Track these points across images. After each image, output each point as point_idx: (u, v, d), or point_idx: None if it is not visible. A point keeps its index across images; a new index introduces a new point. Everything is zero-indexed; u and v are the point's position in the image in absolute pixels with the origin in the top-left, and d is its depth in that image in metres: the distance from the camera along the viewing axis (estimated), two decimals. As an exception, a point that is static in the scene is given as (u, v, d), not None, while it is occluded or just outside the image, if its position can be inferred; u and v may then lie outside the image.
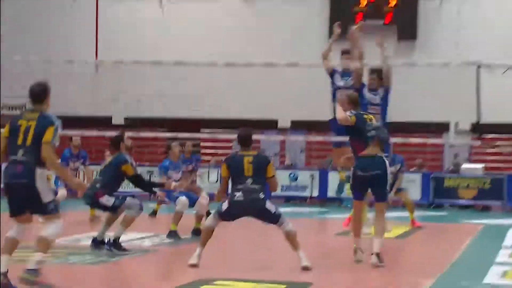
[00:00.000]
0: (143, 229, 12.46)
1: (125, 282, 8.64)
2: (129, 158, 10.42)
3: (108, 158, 11.03)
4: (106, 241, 10.14)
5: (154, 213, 15.84)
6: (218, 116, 23.47)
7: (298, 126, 24.49)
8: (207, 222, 9.32)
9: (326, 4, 24.45)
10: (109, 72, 23.74)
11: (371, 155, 9.55)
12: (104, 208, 10.30)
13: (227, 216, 8.97)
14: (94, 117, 24.26)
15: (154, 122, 23.86)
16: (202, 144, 24.80)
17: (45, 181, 7.34)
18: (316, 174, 22.33)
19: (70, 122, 22.66)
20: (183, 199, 12.03)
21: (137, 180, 10.41)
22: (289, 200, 22.73)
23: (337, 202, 21.73)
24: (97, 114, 24.40)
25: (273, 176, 9.05)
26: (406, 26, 24.06)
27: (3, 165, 7.44)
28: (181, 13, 25.22)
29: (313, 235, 13.97)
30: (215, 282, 7.82)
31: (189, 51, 22.50)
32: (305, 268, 8.71)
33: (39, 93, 7.52)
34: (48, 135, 7.19)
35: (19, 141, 7.28)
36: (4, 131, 7.44)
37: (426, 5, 24.17)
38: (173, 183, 11.91)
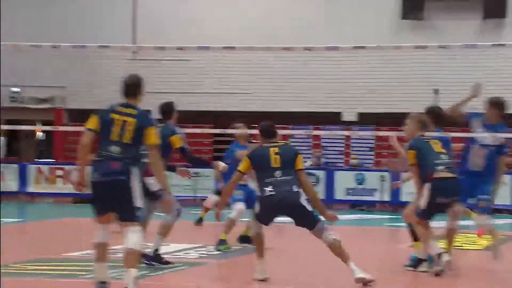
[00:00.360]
0: (187, 239, 12.47)
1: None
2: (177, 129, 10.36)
3: None
4: (144, 254, 10.13)
5: (200, 221, 15.85)
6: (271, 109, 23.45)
7: (366, 120, 24.33)
8: (252, 231, 9.25)
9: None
10: (147, 59, 24.04)
11: None
12: (146, 192, 10.20)
13: (262, 218, 8.94)
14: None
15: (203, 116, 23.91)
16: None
17: (139, 183, 7.62)
18: (387, 175, 22.12)
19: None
20: (239, 206, 11.91)
21: (184, 153, 10.31)
22: (355, 206, 22.60)
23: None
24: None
25: (302, 169, 8.99)
26: (493, 2, 23.74)
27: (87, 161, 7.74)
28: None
29: (382, 246, 13.82)
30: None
31: (239, 37, 22.61)
32: (360, 280, 8.57)
33: (134, 87, 7.93)
34: (153, 137, 7.70)
35: (114, 137, 7.60)
36: (91, 123, 7.78)
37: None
38: (222, 164, 11.51)
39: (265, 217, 8.94)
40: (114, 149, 7.57)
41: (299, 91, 24.21)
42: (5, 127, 19.74)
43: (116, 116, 7.73)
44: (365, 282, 8.51)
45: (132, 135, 7.61)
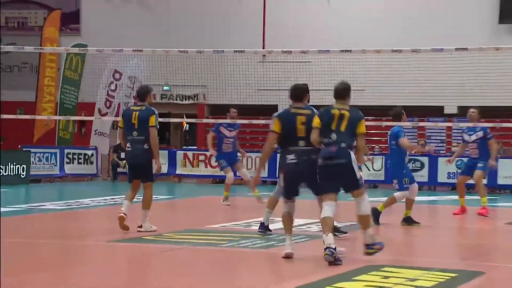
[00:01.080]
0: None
1: (293, 265, 8.71)
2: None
3: None
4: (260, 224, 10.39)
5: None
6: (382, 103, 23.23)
7: (465, 112, 23.74)
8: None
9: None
10: (275, 62, 24.19)
11: None
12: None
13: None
14: (260, 106, 24.65)
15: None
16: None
17: (355, 161, 8.18)
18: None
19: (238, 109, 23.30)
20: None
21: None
22: (455, 188, 22.09)
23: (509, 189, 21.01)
24: (263, 102, 24.78)
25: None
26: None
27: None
28: (346, 1, 25.19)
29: (481, 224, 13.51)
30: (383, 269, 7.73)
31: (354, 40, 22.46)
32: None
33: (344, 90, 8.49)
34: (363, 127, 8.28)
35: (333, 126, 8.16)
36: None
37: None
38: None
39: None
40: (334, 137, 8.12)
41: (409, 87, 23.92)
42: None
43: (335, 112, 8.25)
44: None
45: (348, 125, 8.19)
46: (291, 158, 8.35)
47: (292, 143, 8.38)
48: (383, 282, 7.11)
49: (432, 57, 22.02)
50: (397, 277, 7.34)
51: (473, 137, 13.75)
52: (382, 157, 21.79)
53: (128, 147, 10.45)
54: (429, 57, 22.10)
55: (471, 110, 14.05)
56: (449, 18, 24.04)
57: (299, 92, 8.77)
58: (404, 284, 7.01)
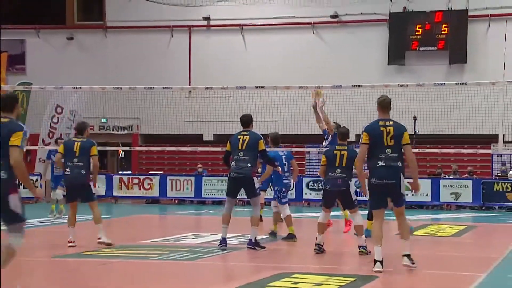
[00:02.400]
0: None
1: (218, 273, 8.62)
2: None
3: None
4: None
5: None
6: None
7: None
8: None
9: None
10: (199, 96, 24.19)
11: None
12: None
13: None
14: (187, 135, 24.55)
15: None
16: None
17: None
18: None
19: (166, 139, 23.11)
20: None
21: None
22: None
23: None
24: (189, 132, 24.69)
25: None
26: (457, 51, 23.65)
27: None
28: (260, 45, 25.42)
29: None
30: (293, 275, 7.76)
31: (266, 77, 22.66)
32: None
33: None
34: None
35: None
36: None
37: (475, 30, 23.77)
38: None
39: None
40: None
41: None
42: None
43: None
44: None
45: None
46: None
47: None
48: (293, 287, 7.13)
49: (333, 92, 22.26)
50: (306, 283, 7.38)
51: None
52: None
53: (67, 172, 10.40)
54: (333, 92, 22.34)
55: None
56: (348, 59, 24.46)
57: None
58: (311, 289, 7.05)
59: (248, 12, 25.29)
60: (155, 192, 22.30)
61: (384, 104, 8.27)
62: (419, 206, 20.79)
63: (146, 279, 7.99)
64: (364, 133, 8.10)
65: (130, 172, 25.34)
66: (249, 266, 9.28)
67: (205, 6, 25.61)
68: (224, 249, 9.90)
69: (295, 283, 7.36)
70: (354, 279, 7.73)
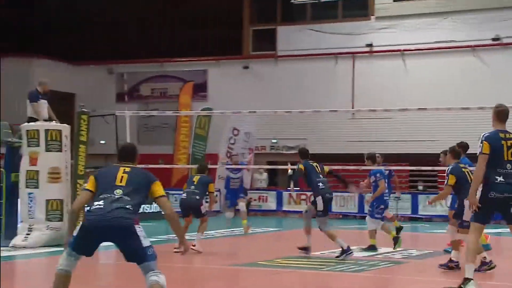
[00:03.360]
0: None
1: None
2: None
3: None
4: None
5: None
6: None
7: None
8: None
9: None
10: (362, 118, 24.03)
11: None
12: None
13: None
14: (350, 154, 24.44)
15: (401, 157, 23.32)
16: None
17: None
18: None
19: (331, 158, 23.21)
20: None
21: None
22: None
23: None
24: (352, 152, 24.57)
25: None
26: None
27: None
28: (420, 69, 24.87)
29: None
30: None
31: (429, 98, 22.09)
32: None
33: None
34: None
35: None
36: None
37: None
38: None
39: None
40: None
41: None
42: (267, 166, 20.35)
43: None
44: None
45: None
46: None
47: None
48: None
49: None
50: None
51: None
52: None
53: (184, 197, 11.50)
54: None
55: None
56: (509, 81, 23.22)
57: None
58: None
59: (409, 38, 24.87)
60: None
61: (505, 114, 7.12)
62: None
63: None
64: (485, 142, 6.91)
65: (298, 188, 25.60)
66: (414, 279, 9.07)
67: (368, 33, 25.50)
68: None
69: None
70: None
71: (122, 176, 5.34)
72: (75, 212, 5.46)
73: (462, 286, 6.91)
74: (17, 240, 12.08)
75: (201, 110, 22.80)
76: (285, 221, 21.68)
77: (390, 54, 25.39)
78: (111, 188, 5.30)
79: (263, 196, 23.79)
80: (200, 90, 27.69)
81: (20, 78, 25.16)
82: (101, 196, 5.28)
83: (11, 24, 27.60)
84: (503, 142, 6.91)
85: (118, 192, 5.25)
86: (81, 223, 5.31)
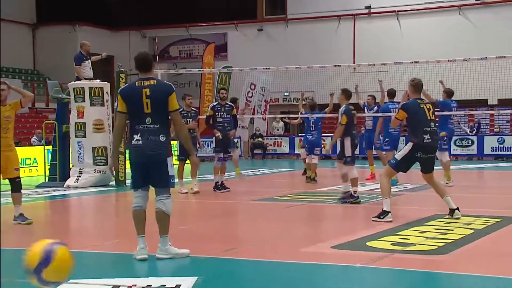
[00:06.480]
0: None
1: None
2: None
3: None
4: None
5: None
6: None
7: (504, 103, 22.51)
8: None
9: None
10: (362, 72, 23.68)
11: None
12: None
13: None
14: (352, 103, 24.17)
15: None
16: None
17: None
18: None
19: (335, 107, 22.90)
20: None
21: None
22: (497, 158, 21.06)
23: None
24: (353, 101, 24.24)
25: None
26: None
27: None
28: (413, 25, 24.39)
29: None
30: (445, 217, 7.42)
31: (421, 53, 21.70)
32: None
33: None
34: None
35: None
36: None
37: None
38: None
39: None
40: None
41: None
42: (281, 115, 20.31)
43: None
44: None
45: None
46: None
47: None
48: (447, 226, 6.88)
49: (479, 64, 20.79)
50: (456, 223, 7.07)
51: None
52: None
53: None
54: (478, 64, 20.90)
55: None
56: (491, 36, 22.69)
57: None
58: (462, 227, 6.75)
59: (403, 0, 24.35)
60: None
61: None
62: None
63: (319, 218, 8.04)
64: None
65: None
66: (412, 209, 9.08)
67: (367, -4, 24.98)
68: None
69: (448, 223, 7.08)
70: (500, 219, 7.27)
71: (146, 103, 4.98)
72: (117, 137, 5.24)
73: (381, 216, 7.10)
74: (70, 182, 12.32)
75: (222, 68, 22.62)
76: (296, 163, 21.73)
77: (386, 15, 24.92)
78: (142, 117, 5.00)
79: (277, 141, 23.79)
80: (221, 50, 27.47)
81: (68, 43, 25.53)
82: (136, 128, 5.02)
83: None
84: (422, 105, 7.09)
85: (148, 121, 4.99)
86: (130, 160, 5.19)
